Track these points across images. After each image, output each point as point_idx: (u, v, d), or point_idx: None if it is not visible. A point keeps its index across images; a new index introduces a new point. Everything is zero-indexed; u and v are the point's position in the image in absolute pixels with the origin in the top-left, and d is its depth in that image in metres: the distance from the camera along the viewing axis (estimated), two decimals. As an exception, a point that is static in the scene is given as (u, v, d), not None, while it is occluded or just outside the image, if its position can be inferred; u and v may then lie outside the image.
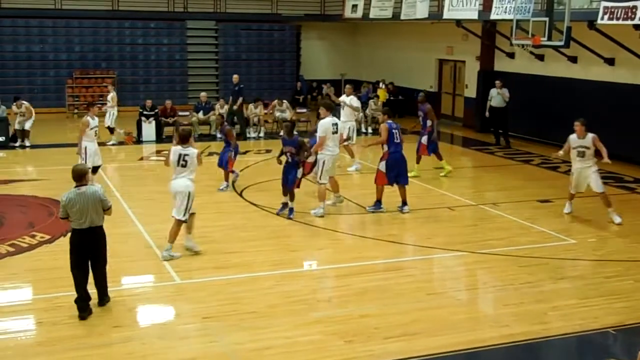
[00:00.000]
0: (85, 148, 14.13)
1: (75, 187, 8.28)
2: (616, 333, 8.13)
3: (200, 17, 28.95)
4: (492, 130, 21.66)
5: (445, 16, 21.77)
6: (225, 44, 29.48)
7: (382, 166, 12.98)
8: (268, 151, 20.06)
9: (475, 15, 20.69)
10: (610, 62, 18.67)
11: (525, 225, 12.51)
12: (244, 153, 19.69)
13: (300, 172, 12.69)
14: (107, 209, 8.41)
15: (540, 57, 21.11)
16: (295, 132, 13.10)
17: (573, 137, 12.72)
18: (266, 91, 26.83)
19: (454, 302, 9.10)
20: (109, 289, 8.63)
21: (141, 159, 19.07)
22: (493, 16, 19.55)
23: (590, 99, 19.18)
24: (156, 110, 21.52)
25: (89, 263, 8.34)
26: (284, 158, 12.82)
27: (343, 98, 17.86)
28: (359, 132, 22.99)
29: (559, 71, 20.48)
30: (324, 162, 12.79)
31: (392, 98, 26.68)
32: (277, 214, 12.80)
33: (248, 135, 22.15)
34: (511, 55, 22.43)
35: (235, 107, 21.68)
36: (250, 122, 22.31)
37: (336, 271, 10.27)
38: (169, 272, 9.87)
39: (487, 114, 21.21)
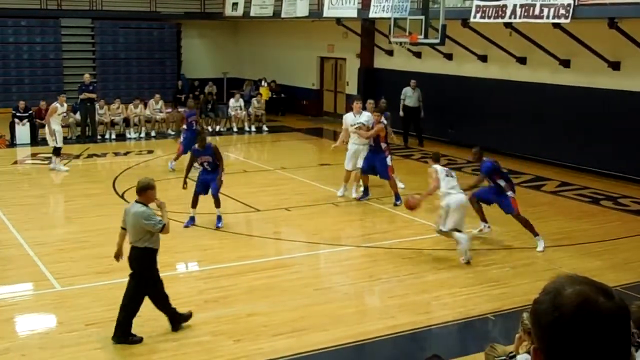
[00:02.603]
0: (54, 130, 16.19)
1: (135, 200, 7.77)
2: (495, 318, 8.47)
3: (75, 15, 27.98)
4: (402, 131, 20.45)
5: (325, 14, 22.04)
6: (103, 42, 28.61)
7: (389, 160, 13.71)
8: (150, 152, 19.69)
9: (354, 14, 21.06)
10: (483, 58, 19.41)
11: (408, 218, 12.82)
12: (126, 154, 19.28)
13: (220, 177, 11.84)
14: (157, 231, 7.52)
15: (418, 55, 21.69)
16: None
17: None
18: (147, 90, 26.23)
19: (341, 296, 9.22)
20: None
21: (15, 162, 18.26)
22: (372, 14, 19.95)
23: (464, 94, 19.88)
24: (30, 112, 20.68)
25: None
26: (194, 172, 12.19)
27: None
28: (242, 131, 23.05)
29: (435, 67, 21.09)
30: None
31: (274, 96, 26.79)
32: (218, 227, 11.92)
33: (129, 136, 21.66)
34: (390, 53, 22.93)
35: (98, 105, 21.35)
36: (130, 122, 21.83)
37: (223, 271, 10.19)
38: (48, 279, 9.51)
39: (401, 113, 20.48)
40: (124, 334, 7.60)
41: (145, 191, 7.63)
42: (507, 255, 10.76)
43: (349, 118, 14.12)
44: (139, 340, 7.63)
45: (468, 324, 8.37)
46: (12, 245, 10.93)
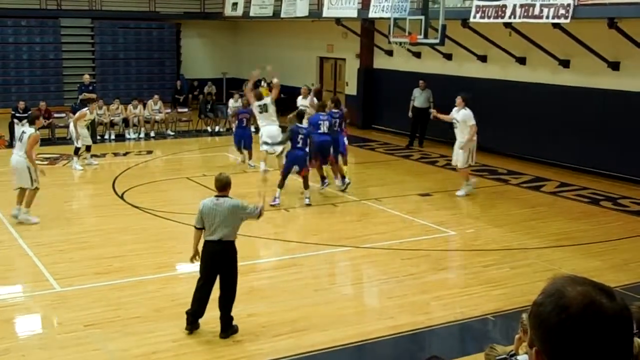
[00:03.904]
0: (80, 134, 16.95)
1: (215, 196, 7.86)
2: (495, 319, 8.46)
3: (74, 15, 27.96)
4: (409, 132, 20.73)
5: (325, 14, 22.03)
6: (102, 42, 28.61)
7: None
8: (149, 152, 19.66)
9: (354, 14, 21.05)
10: (483, 58, 19.40)
11: (407, 219, 12.82)
12: (125, 154, 19.27)
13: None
14: (256, 216, 7.99)
15: (417, 55, 21.68)
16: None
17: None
18: (146, 91, 26.25)
19: (341, 296, 9.22)
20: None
21: (15, 163, 18.21)
22: (371, 14, 19.93)
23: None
24: (30, 112, 20.65)
25: (219, 281, 7.89)
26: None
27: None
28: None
29: (435, 68, 21.08)
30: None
31: (274, 96, 26.73)
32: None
33: (128, 137, 21.66)
34: (389, 53, 22.91)
35: (98, 108, 21.45)
36: (130, 122, 21.82)
37: (223, 271, 10.18)
38: (48, 279, 9.50)
39: (410, 114, 20.46)
40: (227, 328, 7.82)
41: (230, 186, 7.98)
42: (507, 256, 10.75)
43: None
44: (236, 329, 7.91)
45: (468, 324, 8.36)
46: (12, 246, 10.92)
